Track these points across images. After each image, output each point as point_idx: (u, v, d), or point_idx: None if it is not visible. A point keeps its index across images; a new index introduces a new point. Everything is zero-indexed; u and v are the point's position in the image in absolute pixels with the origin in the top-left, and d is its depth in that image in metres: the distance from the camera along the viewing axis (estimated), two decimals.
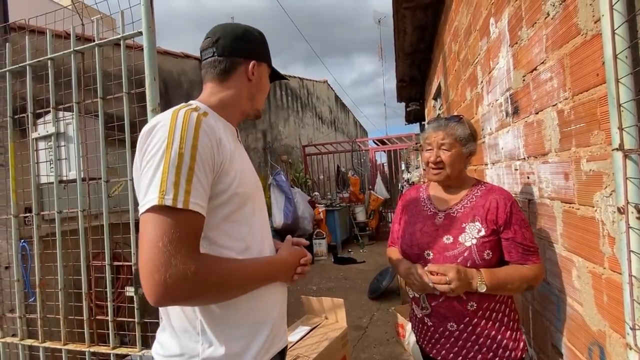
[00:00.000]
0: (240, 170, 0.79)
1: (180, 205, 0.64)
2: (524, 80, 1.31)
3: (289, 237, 0.98)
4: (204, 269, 0.66)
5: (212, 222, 0.74)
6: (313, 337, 2.06)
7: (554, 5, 1.04)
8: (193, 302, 0.71)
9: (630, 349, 0.70)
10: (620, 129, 0.69)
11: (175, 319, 0.78)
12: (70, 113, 1.58)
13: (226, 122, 0.87)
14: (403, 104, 6.66)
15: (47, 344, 1.57)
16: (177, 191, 0.64)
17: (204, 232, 0.73)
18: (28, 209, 1.80)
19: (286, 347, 0.93)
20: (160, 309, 0.80)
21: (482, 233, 1.08)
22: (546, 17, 1.09)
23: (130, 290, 1.37)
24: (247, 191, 0.80)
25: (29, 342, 1.63)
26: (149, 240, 0.63)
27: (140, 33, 1.34)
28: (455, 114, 2.77)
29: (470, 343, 1.09)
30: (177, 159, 0.65)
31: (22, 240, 1.81)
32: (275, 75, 1.02)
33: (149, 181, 0.66)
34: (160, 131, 0.68)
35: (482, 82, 1.91)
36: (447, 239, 1.11)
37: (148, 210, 0.65)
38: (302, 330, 2.13)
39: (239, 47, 0.88)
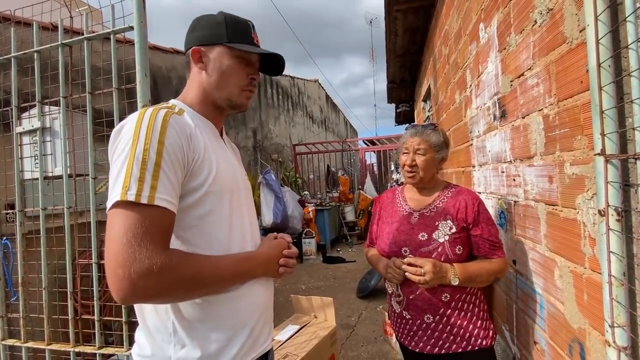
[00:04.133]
0: (217, 167, 0.77)
1: (144, 201, 0.63)
2: (511, 85, 1.35)
3: (271, 234, 0.94)
4: (171, 265, 0.64)
5: (187, 221, 0.73)
6: (302, 335, 2.07)
7: (541, 14, 1.07)
8: (161, 299, 0.69)
9: (609, 345, 0.73)
10: (602, 134, 0.72)
11: (149, 317, 0.76)
12: (57, 107, 1.54)
13: (204, 118, 0.85)
14: (393, 105, 6.72)
15: (30, 344, 1.53)
16: (141, 187, 0.63)
17: (178, 233, 0.72)
18: (10, 206, 1.75)
19: (270, 350, 0.89)
20: (135, 307, 0.78)
21: (454, 230, 1.19)
22: (534, 25, 1.12)
23: None
24: (223, 189, 0.78)
25: (10, 342, 1.59)
26: (113, 237, 0.62)
27: (132, 28, 1.31)
28: (445, 117, 2.82)
29: (445, 334, 1.18)
30: (142, 154, 0.65)
31: (4, 238, 1.76)
32: (265, 63, 0.91)
33: (114, 179, 0.66)
34: (126, 131, 0.68)
35: (471, 85, 1.95)
36: (422, 236, 1.21)
37: (113, 207, 0.64)
38: (291, 329, 2.13)
39: (187, 40, 0.86)
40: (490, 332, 1.21)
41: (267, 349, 0.87)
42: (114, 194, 0.64)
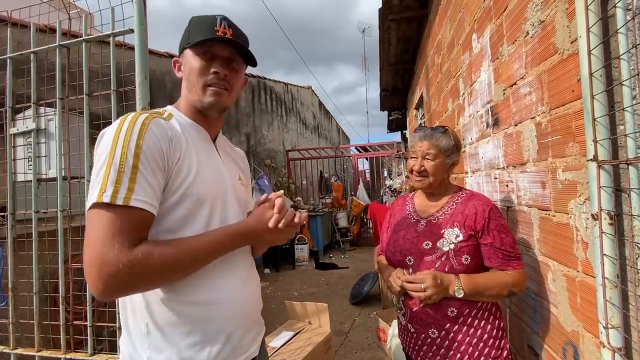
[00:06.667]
0: (196, 172, 0.77)
1: (119, 202, 0.66)
2: (504, 93, 1.39)
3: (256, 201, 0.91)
4: (137, 261, 0.66)
5: (165, 225, 0.74)
6: (297, 342, 2.05)
7: (533, 25, 1.11)
8: (135, 291, 0.71)
9: (604, 347, 0.75)
10: (595, 141, 0.75)
11: (130, 320, 0.78)
12: (52, 109, 1.53)
13: (194, 123, 0.86)
14: (385, 112, 6.80)
15: (19, 351, 1.49)
16: (117, 188, 0.66)
17: (157, 236, 0.74)
18: (0, 208, 1.71)
19: (256, 358, 0.88)
20: (120, 311, 0.81)
21: (460, 238, 1.10)
22: (526, 36, 1.17)
23: None
24: (203, 195, 0.78)
25: None
26: (88, 237, 0.66)
27: (132, 31, 1.32)
28: (438, 124, 2.87)
29: (452, 351, 1.08)
30: (120, 157, 0.67)
31: None
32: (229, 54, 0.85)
33: (93, 182, 0.68)
34: (106, 136, 0.71)
35: (464, 93, 2.00)
36: (427, 245, 1.14)
37: (90, 208, 0.67)
38: (285, 335, 2.11)
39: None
40: (505, 352, 1.11)
41: (252, 356, 0.86)
42: (92, 196, 0.67)
